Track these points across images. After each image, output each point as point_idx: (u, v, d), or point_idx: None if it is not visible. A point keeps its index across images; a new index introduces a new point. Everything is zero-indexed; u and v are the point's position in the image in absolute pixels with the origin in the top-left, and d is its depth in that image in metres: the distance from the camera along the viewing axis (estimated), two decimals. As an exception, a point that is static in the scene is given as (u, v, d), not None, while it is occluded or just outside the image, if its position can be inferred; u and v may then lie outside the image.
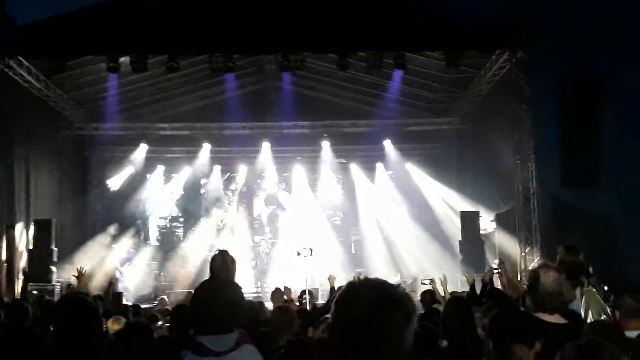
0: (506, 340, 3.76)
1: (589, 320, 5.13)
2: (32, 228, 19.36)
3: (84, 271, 8.08)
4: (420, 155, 24.36)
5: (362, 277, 2.45)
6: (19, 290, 18.05)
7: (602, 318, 5.24)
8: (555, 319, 4.36)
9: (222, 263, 5.49)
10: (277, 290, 10.13)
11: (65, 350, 3.49)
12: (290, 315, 5.40)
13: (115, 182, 24.19)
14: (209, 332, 3.34)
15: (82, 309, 3.61)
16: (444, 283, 9.55)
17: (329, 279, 8.98)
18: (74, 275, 10.94)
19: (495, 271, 8.03)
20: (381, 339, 2.13)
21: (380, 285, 2.22)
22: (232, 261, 5.56)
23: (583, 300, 5.60)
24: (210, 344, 3.29)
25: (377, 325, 2.13)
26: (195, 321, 3.46)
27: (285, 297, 9.58)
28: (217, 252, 5.65)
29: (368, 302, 2.15)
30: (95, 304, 3.81)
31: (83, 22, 16.47)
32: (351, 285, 2.25)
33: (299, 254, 11.97)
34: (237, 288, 3.68)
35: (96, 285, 19.95)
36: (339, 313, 2.20)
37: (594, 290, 5.98)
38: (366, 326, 2.13)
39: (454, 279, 17.94)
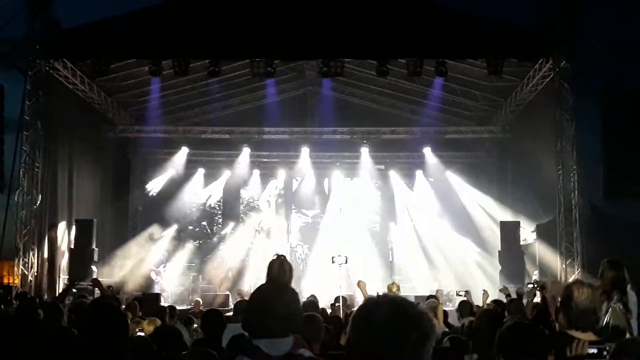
0: (515, 356, 3.69)
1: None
2: (73, 228, 19.69)
3: (97, 280, 8.16)
4: (461, 163, 24.14)
5: (380, 293, 2.42)
6: (60, 289, 18.37)
7: (627, 336, 5.15)
8: (587, 336, 4.26)
9: (280, 268, 5.49)
10: (309, 301, 10.13)
11: (90, 355, 3.54)
12: (318, 325, 5.36)
13: (156, 184, 24.48)
14: (266, 335, 3.33)
15: (109, 315, 3.65)
16: (484, 298, 9.40)
17: (358, 284, 8.92)
18: (89, 285, 11.08)
19: (529, 286, 7.89)
20: (397, 356, 2.10)
21: (397, 303, 2.19)
22: (290, 267, 5.57)
23: (607, 315, 5.51)
24: (267, 348, 3.28)
25: (393, 343, 2.10)
26: (251, 324, 3.44)
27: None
28: (275, 257, 5.65)
29: (384, 319, 2.12)
30: (122, 311, 3.84)
31: (126, 26, 16.71)
32: (369, 302, 2.23)
33: (333, 262, 11.92)
34: (295, 293, 3.68)
35: (134, 285, 20.32)
36: (355, 329, 2.18)
37: (621, 307, 5.86)
38: (382, 344, 2.10)
39: (493, 291, 17.76)
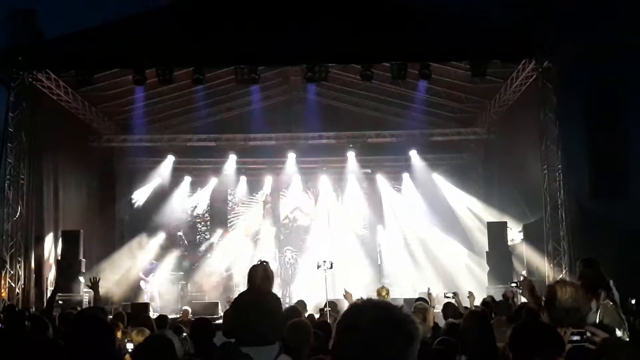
0: (527, 354, 3.69)
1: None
2: (60, 239, 19.59)
3: (97, 280, 8.08)
4: (447, 165, 24.23)
5: (364, 297, 2.43)
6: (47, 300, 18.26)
7: (620, 332, 5.17)
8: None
9: (263, 274, 5.47)
10: (301, 301, 10.13)
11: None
12: (306, 330, 5.36)
13: (142, 194, 24.40)
14: (252, 343, 3.34)
15: (94, 327, 3.64)
16: (471, 300, 9.42)
17: (344, 295, 8.93)
18: (87, 285, 11.04)
19: (512, 285, 7.93)
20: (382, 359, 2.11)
21: (381, 307, 2.20)
22: (272, 275, 5.55)
23: (598, 313, 5.54)
24: (254, 355, 3.28)
25: (377, 347, 2.11)
26: (236, 332, 3.44)
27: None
28: (258, 263, 5.63)
29: (368, 323, 2.14)
30: (108, 321, 3.83)
31: (109, 36, 16.69)
32: (353, 307, 2.24)
33: (318, 267, 11.91)
34: (277, 300, 3.68)
35: (121, 295, 20.24)
36: (339, 334, 2.19)
37: (611, 303, 5.90)
38: (366, 347, 2.11)
39: (481, 291, 17.82)
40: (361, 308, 2.22)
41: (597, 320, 5.41)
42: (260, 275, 5.45)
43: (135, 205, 24.40)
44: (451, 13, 17.57)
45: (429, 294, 9.49)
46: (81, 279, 18.70)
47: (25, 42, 16.93)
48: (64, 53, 17.11)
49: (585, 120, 17.54)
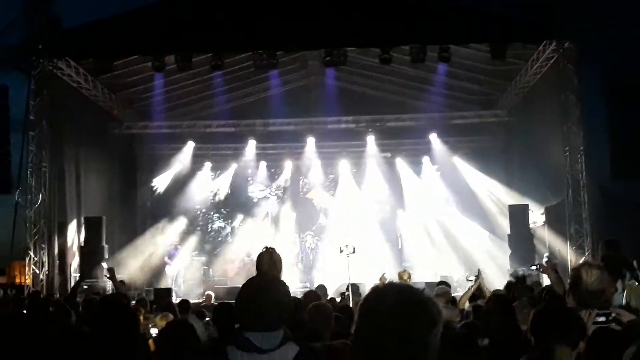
0: (549, 339, 3.66)
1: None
2: (83, 226, 19.76)
3: (113, 270, 8.18)
4: (467, 148, 24.06)
5: (386, 280, 2.43)
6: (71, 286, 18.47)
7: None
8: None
9: (269, 260, 5.49)
10: (321, 286, 10.15)
11: (101, 353, 3.55)
12: (327, 314, 5.37)
13: (163, 180, 24.53)
14: (256, 329, 3.35)
15: (118, 313, 3.66)
16: (480, 279, 9.39)
17: (380, 279, 8.92)
18: (105, 276, 11.13)
19: (532, 268, 7.86)
20: (403, 343, 2.11)
21: (402, 290, 2.20)
22: (279, 259, 5.57)
23: (625, 293, 5.50)
24: (257, 341, 3.29)
25: (399, 330, 2.10)
26: (241, 317, 3.45)
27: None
28: (264, 250, 5.65)
29: (389, 307, 2.14)
30: (131, 307, 3.86)
31: (128, 23, 16.72)
32: (374, 291, 2.24)
33: (341, 251, 11.92)
34: (284, 286, 3.69)
35: (144, 280, 20.42)
36: (361, 318, 2.19)
37: (637, 284, 5.86)
38: (388, 331, 2.11)
39: (503, 274, 17.76)
40: (382, 292, 2.22)
41: (624, 302, 5.37)
42: (266, 261, 5.47)
43: (157, 192, 24.54)
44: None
45: (478, 273, 9.44)
46: (104, 264, 18.87)
47: (44, 30, 17.01)
48: (83, 40, 17.18)
49: (606, 101, 17.35)
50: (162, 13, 16.72)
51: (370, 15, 16.21)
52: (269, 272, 5.31)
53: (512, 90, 21.08)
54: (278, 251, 5.68)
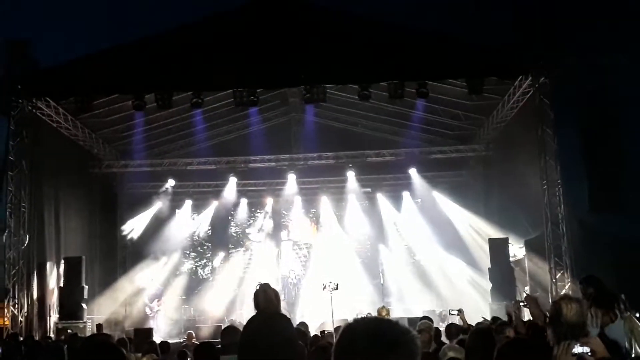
0: None
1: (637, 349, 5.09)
2: (62, 266, 19.57)
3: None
4: (447, 183, 24.26)
5: (360, 317, 2.42)
6: (50, 327, 18.25)
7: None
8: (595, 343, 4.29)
9: (266, 297, 5.45)
10: (303, 323, 10.10)
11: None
12: (300, 352, 5.36)
13: (144, 218, 24.40)
14: None
15: (105, 352, 3.64)
16: (461, 316, 9.44)
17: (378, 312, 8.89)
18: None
19: (521, 304, 7.92)
20: None
21: (374, 326, 2.16)
22: (276, 294, 5.52)
23: (625, 327, 5.54)
24: None
25: None
26: (249, 355, 3.42)
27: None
28: (258, 287, 5.60)
29: (364, 343, 2.10)
30: (118, 347, 3.84)
31: (107, 62, 16.79)
32: (348, 327, 2.21)
33: (324, 288, 11.90)
34: (287, 320, 3.66)
35: (125, 320, 20.19)
36: (337, 356, 2.16)
37: (636, 316, 5.92)
38: None
39: (486, 308, 17.80)
40: (354, 329, 2.17)
41: (626, 337, 5.42)
42: (262, 298, 5.44)
43: (137, 230, 24.38)
44: (447, 32, 17.70)
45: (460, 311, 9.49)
46: (84, 305, 18.68)
47: (22, 71, 17.04)
48: (63, 80, 17.20)
49: (583, 134, 17.61)
50: (142, 52, 16.83)
51: (349, 52, 16.40)
52: (266, 309, 5.28)
53: (490, 125, 21.33)
54: (254, 287, 5.64)
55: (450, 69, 17.03)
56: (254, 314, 4.78)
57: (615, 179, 16.46)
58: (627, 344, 5.67)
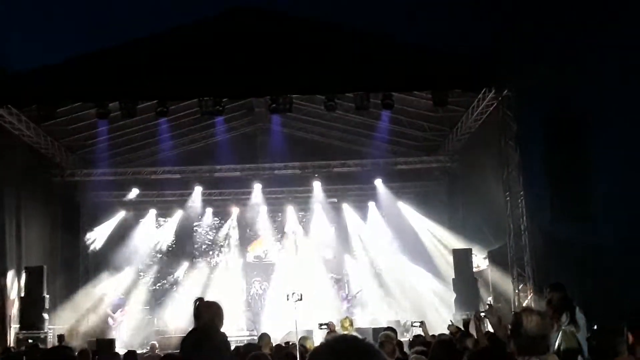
0: None
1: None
2: (23, 275, 19.26)
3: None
4: (411, 193, 24.42)
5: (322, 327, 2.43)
6: (11, 337, 17.94)
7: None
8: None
9: (207, 310, 5.43)
10: (264, 334, 10.09)
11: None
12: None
13: (107, 228, 24.13)
14: None
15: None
16: (423, 328, 9.52)
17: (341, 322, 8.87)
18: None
19: (482, 314, 8.00)
20: None
21: (337, 350, 2.13)
22: (214, 306, 5.47)
23: (559, 336, 5.63)
24: None
25: None
26: None
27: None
28: (197, 303, 5.56)
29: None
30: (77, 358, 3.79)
31: (71, 70, 16.58)
32: (318, 346, 2.22)
33: (288, 299, 11.87)
34: (223, 335, 3.68)
35: (86, 331, 19.96)
36: None
37: (572, 329, 6.01)
38: None
39: (449, 318, 17.90)
40: (325, 345, 2.19)
41: (556, 346, 5.50)
42: (205, 312, 5.39)
43: (100, 240, 24.08)
44: (412, 43, 17.83)
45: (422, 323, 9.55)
46: (45, 315, 18.41)
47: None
48: (26, 88, 16.93)
49: (545, 146, 17.82)
50: (106, 60, 16.65)
51: (315, 63, 16.42)
52: (206, 323, 5.25)
53: (454, 136, 21.52)
54: (223, 299, 5.64)
55: (415, 81, 17.14)
56: (191, 329, 4.79)
57: (578, 189, 16.68)
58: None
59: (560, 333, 5.86)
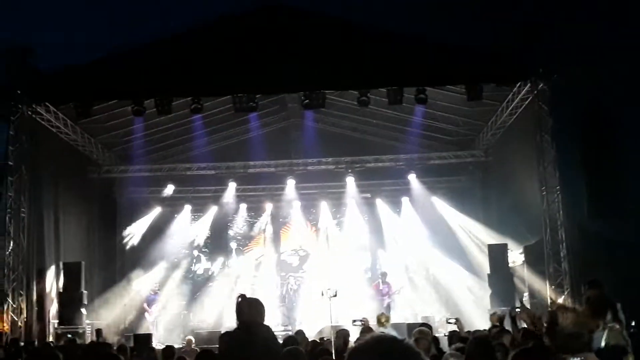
0: None
1: None
2: (61, 271, 19.57)
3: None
4: (445, 188, 24.27)
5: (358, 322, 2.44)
6: (50, 332, 18.26)
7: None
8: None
9: (249, 308, 5.45)
10: (300, 331, 10.14)
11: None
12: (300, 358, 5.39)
13: (143, 223, 24.41)
14: None
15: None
16: (459, 325, 9.47)
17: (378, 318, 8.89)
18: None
19: (517, 310, 7.94)
20: None
21: (381, 349, 2.16)
22: (255, 303, 5.51)
23: (605, 335, 5.57)
24: None
25: None
26: None
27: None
28: (239, 299, 5.59)
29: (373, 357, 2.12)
30: (117, 356, 3.86)
31: (107, 68, 16.84)
32: (352, 354, 2.23)
33: (323, 295, 11.91)
34: (269, 330, 3.69)
35: (124, 326, 20.22)
36: None
37: (617, 326, 5.94)
38: None
39: (484, 314, 17.80)
40: (364, 344, 2.20)
41: (603, 344, 5.44)
42: (246, 309, 5.42)
43: (137, 236, 24.37)
44: (446, 38, 17.75)
45: (458, 320, 9.51)
46: (83, 310, 18.69)
47: (22, 76, 17.07)
48: (63, 86, 17.25)
49: (581, 141, 17.63)
50: (142, 57, 16.87)
51: (348, 58, 16.46)
52: (248, 319, 5.28)
53: (489, 131, 21.37)
54: (258, 294, 5.69)
55: (449, 75, 17.07)
56: (235, 327, 4.81)
57: (615, 185, 16.48)
58: None
59: (606, 331, 5.79)
